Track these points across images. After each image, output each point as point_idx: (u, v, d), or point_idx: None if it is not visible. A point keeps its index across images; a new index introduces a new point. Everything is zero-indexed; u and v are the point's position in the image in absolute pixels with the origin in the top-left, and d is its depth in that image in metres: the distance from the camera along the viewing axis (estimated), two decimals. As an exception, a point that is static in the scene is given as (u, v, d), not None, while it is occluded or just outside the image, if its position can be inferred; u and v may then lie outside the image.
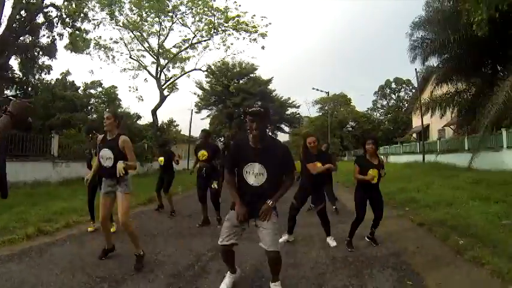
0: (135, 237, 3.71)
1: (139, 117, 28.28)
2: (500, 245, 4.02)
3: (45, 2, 17.16)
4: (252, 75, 43.95)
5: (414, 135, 28.93)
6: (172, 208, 7.21)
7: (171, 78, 24.03)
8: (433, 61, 16.29)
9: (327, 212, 4.69)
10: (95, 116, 26.47)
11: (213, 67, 25.80)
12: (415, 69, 18.84)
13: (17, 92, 19.99)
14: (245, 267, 3.65)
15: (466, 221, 5.30)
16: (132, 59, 23.07)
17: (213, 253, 4.18)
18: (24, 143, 11.35)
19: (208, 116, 48.28)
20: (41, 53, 19.40)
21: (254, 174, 2.69)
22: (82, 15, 18.83)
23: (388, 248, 4.43)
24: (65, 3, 17.96)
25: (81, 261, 3.88)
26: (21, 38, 17.83)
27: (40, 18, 17.89)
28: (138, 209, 7.89)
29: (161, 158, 7.51)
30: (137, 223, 6.03)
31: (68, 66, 51.66)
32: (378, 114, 51.49)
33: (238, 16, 21.06)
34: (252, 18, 21.45)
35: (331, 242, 4.57)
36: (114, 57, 22.78)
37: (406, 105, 41.99)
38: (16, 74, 20.07)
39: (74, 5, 17.93)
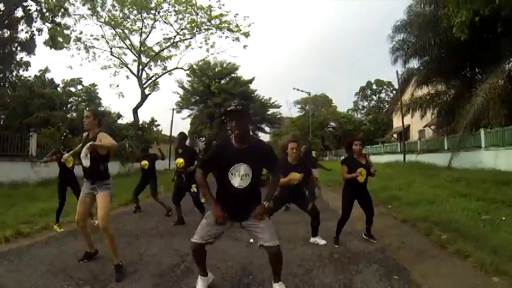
0: (114, 243, 3.47)
1: (119, 116, 27.72)
2: (482, 238, 4.14)
3: (24, -5, 16.56)
4: (233, 75, 43.82)
5: (395, 135, 29.51)
6: (166, 207, 7.01)
7: (152, 76, 23.78)
8: (414, 63, 16.71)
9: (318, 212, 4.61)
10: (74, 114, 25.79)
11: (194, 66, 25.58)
12: (396, 70, 19.23)
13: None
14: (231, 266, 3.61)
15: (448, 216, 5.45)
16: (113, 56, 22.72)
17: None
18: (1, 142, 10.96)
19: (189, 115, 47.85)
20: (19, 48, 18.72)
21: (240, 176, 2.60)
22: (62, 10, 18.29)
23: (373, 244, 4.48)
24: (45, -3, 17.39)
25: (63, 263, 3.74)
26: (-1, 33, 17.17)
27: (19, 12, 17.25)
28: (120, 209, 7.74)
29: (145, 162, 7.40)
30: (119, 224, 5.92)
31: (47, 63, 49.87)
32: (359, 115, 52.27)
33: (221, 15, 21.01)
34: (235, 17, 21.48)
35: (320, 240, 4.56)
36: (95, 54, 22.43)
37: (387, 106, 42.79)
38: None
39: (52, 2, 17.39)
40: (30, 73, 27.14)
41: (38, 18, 17.76)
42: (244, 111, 2.58)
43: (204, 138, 48.62)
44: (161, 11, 21.25)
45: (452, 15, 9.78)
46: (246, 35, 21.35)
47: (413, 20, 15.36)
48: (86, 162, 3.45)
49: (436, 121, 18.17)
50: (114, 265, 3.40)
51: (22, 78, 21.97)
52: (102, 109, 27.19)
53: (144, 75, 23.08)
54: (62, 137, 6.10)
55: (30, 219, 5.98)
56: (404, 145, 19.89)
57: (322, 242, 4.54)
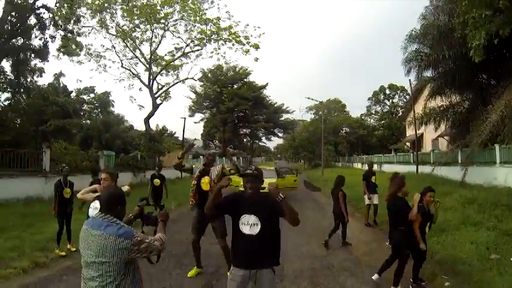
0: None
1: (131, 127, 28.11)
2: (485, 286, 4.10)
3: (36, 3, 17.02)
4: (246, 80, 43.91)
5: (408, 143, 29.13)
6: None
7: (163, 86, 23.94)
8: (428, 73, 16.48)
9: None
10: (88, 121, 26.30)
11: (206, 71, 25.61)
12: (409, 80, 18.99)
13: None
14: None
15: (455, 253, 5.40)
16: (124, 67, 22.97)
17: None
18: (16, 158, 11.31)
19: (201, 119, 48.20)
20: (32, 55, 19.29)
21: (249, 225, 2.85)
22: (74, 18, 18.73)
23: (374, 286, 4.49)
24: (57, 5, 17.83)
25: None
26: (13, 40, 17.66)
27: (32, 20, 17.77)
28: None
29: (157, 180, 8.92)
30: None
31: (61, 69, 50.93)
32: (372, 120, 51.73)
33: (230, 27, 21.08)
34: (245, 27, 21.52)
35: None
36: (105, 65, 22.73)
37: (400, 112, 42.24)
38: (8, 76, 19.98)
39: (65, 10, 17.76)
40: (44, 79, 27.78)
41: (51, 26, 18.30)
42: (259, 176, 2.95)
43: (217, 142, 49.18)
44: (171, 20, 21.47)
45: (469, 37, 9.61)
46: (256, 47, 21.31)
47: (427, 31, 15.15)
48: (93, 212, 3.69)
49: (450, 132, 17.88)
50: None
51: (36, 84, 22.50)
52: (115, 117, 27.64)
53: (155, 85, 23.30)
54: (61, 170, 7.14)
55: (46, 245, 6.17)
56: (417, 156, 19.62)
57: None
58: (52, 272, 4.97)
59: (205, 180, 4.89)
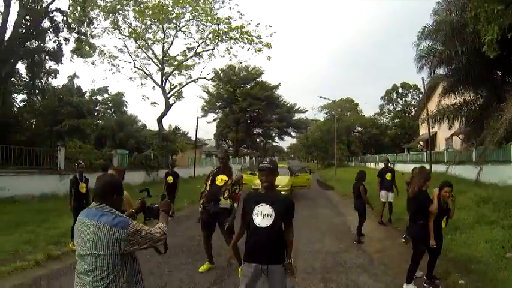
0: None
1: (144, 126, 28.46)
2: (500, 285, 4.01)
3: (50, 7, 17.33)
4: (258, 79, 43.96)
5: (421, 142, 28.70)
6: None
7: (176, 86, 24.13)
8: (441, 70, 16.18)
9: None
10: (101, 122, 26.69)
11: (219, 71, 25.71)
12: (422, 78, 18.65)
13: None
14: None
15: (470, 251, 5.29)
16: (137, 67, 23.22)
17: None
18: (32, 156, 11.57)
19: (214, 119, 48.43)
20: (47, 57, 19.67)
21: (262, 215, 2.87)
22: (87, 20, 19.03)
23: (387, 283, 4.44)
24: (70, 8, 18.16)
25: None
26: (28, 43, 18.00)
27: (46, 23, 18.09)
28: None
29: (170, 178, 9.43)
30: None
31: (74, 71, 51.85)
32: (385, 119, 51.13)
33: (242, 27, 21.13)
34: (257, 26, 21.58)
35: None
36: (118, 65, 22.98)
37: (414, 110, 41.61)
38: (24, 78, 20.43)
39: (78, 13, 18.09)
40: (59, 81, 28.35)
41: (65, 28, 18.57)
42: (274, 168, 3.00)
43: (229, 142, 49.37)
44: (182, 21, 21.62)
45: (482, 32, 9.41)
46: (268, 46, 21.36)
47: (440, 27, 14.87)
48: None
49: (464, 130, 17.52)
50: None
51: (51, 86, 22.98)
52: (127, 116, 27.99)
53: (167, 85, 23.48)
54: (77, 165, 7.18)
55: (59, 239, 6.29)
56: (431, 155, 19.31)
57: None
58: (65, 264, 5.07)
59: (220, 177, 4.89)
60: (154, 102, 25.40)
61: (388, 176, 8.76)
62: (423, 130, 26.09)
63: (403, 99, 50.36)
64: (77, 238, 1.98)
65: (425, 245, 4.26)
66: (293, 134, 53.05)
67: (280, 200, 2.96)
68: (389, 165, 9.57)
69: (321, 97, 79.45)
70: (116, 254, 1.89)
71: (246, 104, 40.38)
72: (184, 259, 5.47)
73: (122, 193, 2.19)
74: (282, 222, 2.92)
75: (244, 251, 2.99)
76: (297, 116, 49.42)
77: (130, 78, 23.78)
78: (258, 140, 55.84)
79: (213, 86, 41.03)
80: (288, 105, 47.66)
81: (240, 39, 21.39)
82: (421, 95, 39.50)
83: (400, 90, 49.98)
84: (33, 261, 4.99)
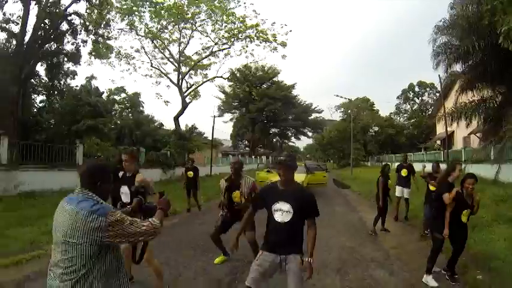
0: (160, 275, 3.75)
1: (161, 125, 28.87)
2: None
3: (68, 10, 17.77)
4: (275, 79, 43.90)
5: (438, 141, 28.17)
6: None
7: (192, 85, 24.38)
8: (457, 67, 15.81)
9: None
10: (118, 122, 27.17)
11: (235, 70, 25.82)
12: (439, 75, 18.32)
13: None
14: None
15: (488, 248, 5.19)
16: (153, 67, 23.58)
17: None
18: (51, 153, 11.90)
19: (231, 119, 48.61)
20: (65, 59, 20.26)
21: (281, 212, 2.92)
22: (104, 22, 19.45)
23: (404, 278, 4.39)
24: (87, 11, 18.59)
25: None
26: (47, 45, 18.52)
27: (64, 26, 18.57)
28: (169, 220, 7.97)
29: (190, 172, 9.74)
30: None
31: (92, 72, 52.96)
32: (401, 119, 50.30)
33: (257, 25, 21.15)
34: (272, 25, 21.63)
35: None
36: (135, 65, 23.43)
37: (430, 109, 40.86)
38: (43, 79, 21.12)
39: (95, 15, 18.49)
40: (77, 82, 29.00)
41: (82, 31, 19.06)
42: (292, 162, 3.03)
43: (246, 142, 49.33)
44: (198, 20, 21.82)
45: (498, 23, 9.17)
46: (284, 44, 21.34)
47: (456, 21, 14.54)
48: (126, 199, 3.72)
49: (482, 129, 17.10)
50: None
51: (69, 86, 23.65)
52: (144, 116, 28.43)
53: (184, 84, 23.76)
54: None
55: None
56: (448, 154, 18.93)
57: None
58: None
59: (236, 194, 4.79)
60: (167, 101, 25.73)
61: (404, 172, 8.70)
62: (440, 129, 25.62)
63: (420, 98, 49.53)
64: (54, 224, 1.79)
65: (440, 234, 4.18)
66: (309, 133, 52.84)
67: (299, 197, 2.95)
68: (406, 161, 9.50)
69: (336, 96, 79.73)
70: (91, 245, 1.68)
71: (262, 103, 40.44)
72: (200, 252, 5.54)
73: (109, 181, 1.97)
74: (304, 219, 2.96)
75: (263, 242, 3.06)
76: (313, 116, 49.20)
77: (146, 75, 24.13)
78: (274, 140, 55.85)
79: (229, 85, 41.34)
80: (304, 105, 47.56)
81: (255, 37, 21.46)
82: (438, 94, 38.78)
83: (417, 89, 49.22)
84: (50, 250, 5.12)
